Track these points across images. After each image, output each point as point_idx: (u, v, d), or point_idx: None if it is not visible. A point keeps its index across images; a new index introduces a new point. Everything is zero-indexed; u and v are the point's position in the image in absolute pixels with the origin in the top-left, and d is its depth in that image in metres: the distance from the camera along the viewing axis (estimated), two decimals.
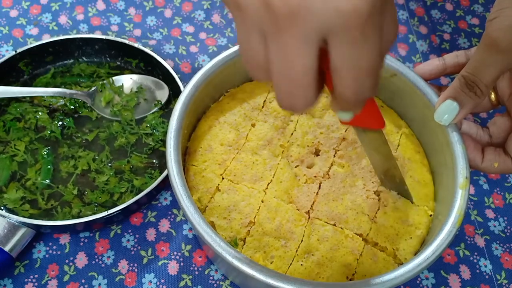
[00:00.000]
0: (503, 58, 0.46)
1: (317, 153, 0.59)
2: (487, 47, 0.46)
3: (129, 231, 0.65)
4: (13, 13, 0.81)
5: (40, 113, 0.69)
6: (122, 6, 0.84)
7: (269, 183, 0.56)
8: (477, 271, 0.66)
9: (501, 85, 0.54)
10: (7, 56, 0.70)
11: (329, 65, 0.32)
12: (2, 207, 0.62)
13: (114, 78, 0.73)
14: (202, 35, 0.83)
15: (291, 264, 0.52)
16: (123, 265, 0.62)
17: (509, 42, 0.44)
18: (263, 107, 0.61)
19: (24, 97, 0.71)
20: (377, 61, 0.31)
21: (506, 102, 0.54)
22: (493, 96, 0.56)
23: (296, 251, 0.52)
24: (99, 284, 0.61)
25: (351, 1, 0.29)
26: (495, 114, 0.60)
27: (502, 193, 0.72)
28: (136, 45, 0.73)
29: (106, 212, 0.59)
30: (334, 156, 0.59)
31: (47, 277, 0.61)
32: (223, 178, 0.56)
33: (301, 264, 0.52)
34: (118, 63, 0.77)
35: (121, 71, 0.76)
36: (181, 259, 0.63)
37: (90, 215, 0.60)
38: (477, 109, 0.58)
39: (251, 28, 0.31)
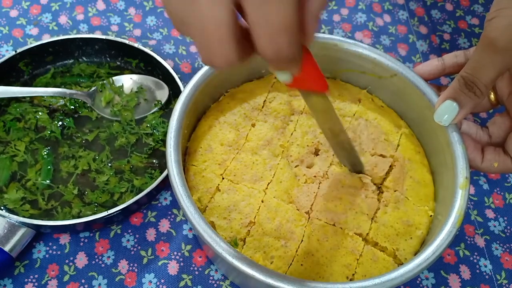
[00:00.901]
0: (502, 58, 0.46)
1: (316, 152, 0.59)
2: (485, 47, 0.46)
3: (129, 231, 0.65)
4: (13, 13, 0.81)
5: (40, 113, 0.69)
6: (122, 6, 0.84)
7: (269, 183, 0.56)
8: (477, 271, 0.66)
9: (500, 85, 0.55)
10: (7, 56, 0.70)
11: None
12: (2, 207, 0.62)
13: (114, 78, 0.73)
14: None
15: (291, 264, 0.52)
16: (123, 265, 0.62)
17: (508, 42, 0.44)
18: (263, 107, 0.61)
19: (24, 97, 0.71)
20: (290, 17, 0.31)
21: (506, 102, 0.54)
22: (492, 95, 0.56)
23: (296, 251, 0.52)
24: (99, 284, 0.61)
25: None
26: (495, 114, 0.60)
27: (502, 193, 0.72)
28: (136, 45, 0.73)
29: (106, 212, 0.59)
30: (333, 155, 0.59)
31: (47, 277, 0.61)
32: (223, 178, 0.56)
33: (301, 264, 0.52)
34: (118, 63, 0.77)
35: (121, 71, 0.76)
36: (181, 259, 0.63)
37: (90, 215, 0.60)
38: (477, 109, 0.58)
39: None
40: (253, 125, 0.59)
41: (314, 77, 0.42)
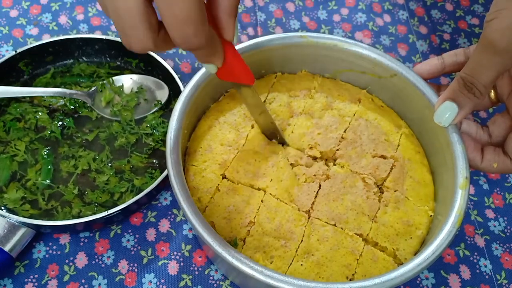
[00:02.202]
0: (501, 59, 0.46)
1: (314, 156, 0.59)
2: (485, 48, 0.46)
3: (129, 231, 0.65)
4: (13, 13, 0.81)
5: (40, 113, 0.69)
6: None
7: (269, 182, 0.56)
8: (477, 271, 0.66)
9: (500, 83, 0.54)
10: (7, 56, 0.70)
11: None
12: (2, 207, 0.62)
13: (114, 78, 0.73)
14: None
15: (291, 264, 0.52)
16: (123, 265, 0.62)
17: (507, 43, 0.44)
18: None
19: (24, 97, 0.71)
20: (191, 10, 0.35)
21: (506, 101, 0.54)
22: (492, 94, 0.56)
23: (296, 251, 0.52)
24: (99, 284, 0.61)
25: None
26: (495, 114, 0.60)
27: (502, 193, 0.72)
28: None
29: (106, 212, 0.59)
30: (332, 157, 0.59)
31: (47, 277, 0.61)
32: (223, 178, 0.56)
33: (301, 264, 0.52)
34: (118, 63, 0.77)
35: (121, 71, 0.76)
36: (181, 259, 0.63)
37: (90, 215, 0.60)
38: (477, 107, 0.58)
39: None
40: (252, 126, 0.59)
41: (239, 70, 0.46)
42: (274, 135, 0.59)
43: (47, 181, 0.65)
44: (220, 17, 0.40)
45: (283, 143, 0.59)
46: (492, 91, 0.56)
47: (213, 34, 0.41)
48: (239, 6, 0.86)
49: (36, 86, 0.73)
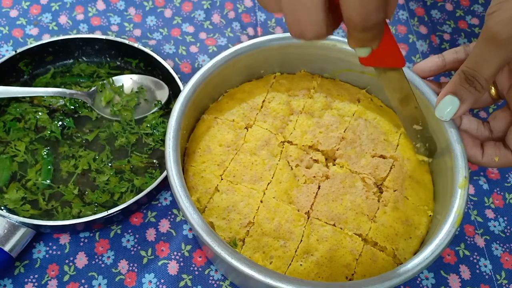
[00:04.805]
0: (503, 51, 0.46)
1: (314, 159, 0.58)
2: (486, 41, 0.46)
3: (129, 231, 0.65)
4: (13, 13, 0.81)
5: (40, 113, 0.69)
6: (122, 6, 0.84)
7: (268, 184, 0.56)
8: (477, 271, 0.66)
9: (500, 79, 0.55)
10: (7, 56, 0.70)
11: None
12: (2, 207, 0.62)
13: (114, 78, 0.73)
14: (202, 35, 0.83)
15: (290, 264, 0.52)
16: (123, 265, 0.62)
17: (509, 35, 0.44)
18: (262, 107, 0.61)
19: (24, 97, 0.71)
20: None
21: (506, 95, 0.54)
22: (493, 90, 0.56)
23: (296, 251, 0.52)
24: (99, 284, 0.61)
25: None
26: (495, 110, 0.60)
27: (502, 193, 0.72)
28: (136, 45, 0.73)
29: (106, 212, 0.59)
30: (333, 157, 0.59)
31: (47, 277, 0.61)
32: (222, 179, 0.56)
33: (300, 264, 0.52)
34: (118, 63, 0.77)
35: (121, 71, 0.76)
36: (181, 259, 0.63)
37: (90, 215, 0.60)
38: (478, 104, 0.58)
39: None
40: (250, 126, 0.59)
41: (391, 52, 0.41)
42: (415, 121, 0.54)
43: (47, 181, 0.65)
44: None
45: (426, 133, 0.55)
46: (493, 87, 0.56)
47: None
48: (239, 6, 0.86)
49: (36, 86, 0.73)
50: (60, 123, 0.69)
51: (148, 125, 0.70)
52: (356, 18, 0.34)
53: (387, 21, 0.38)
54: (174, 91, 0.72)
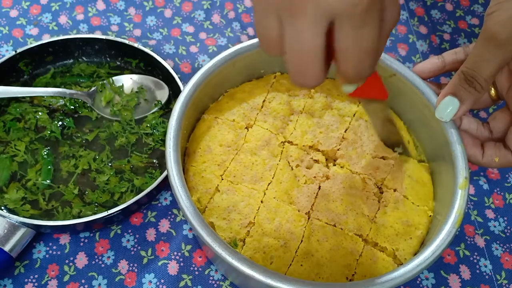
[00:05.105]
0: (502, 51, 0.46)
1: (314, 159, 0.58)
2: (486, 41, 0.46)
3: (129, 231, 0.65)
4: (13, 13, 0.81)
5: (40, 113, 0.69)
6: (122, 6, 0.84)
7: (269, 184, 0.56)
8: (477, 271, 0.66)
9: (499, 79, 0.55)
10: (7, 56, 0.70)
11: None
12: (2, 207, 0.62)
13: (114, 78, 0.73)
14: (202, 35, 0.83)
15: (290, 264, 0.52)
16: (123, 265, 0.62)
17: (508, 36, 0.44)
18: (262, 107, 0.61)
19: (24, 97, 0.71)
20: (376, 43, 0.35)
21: (505, 96, 0.54)
22: (493, 91, 0.56)
23: (296, 251, 0.52)
24: (99, 284, 0.61)
25: None
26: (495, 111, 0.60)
27: (502, 193, 0.72)
28: (136, 45, 0.73)
29: (106, 212, 0.59)
30: (333, 157, 0.59)
31: (47, 277, 0.61)
32: (222, 179, 0.56)
33: (301, 265, 0.52)
34: (118, 63, 0.77)
35: (121, 71, 0.76)
36: (181, 259, 0.63)
37: (91, 215, 0.60)
38: (478, 104, 0.58)
39: (269, 11, 0.35)
40: (250, 126, 0.59)
41: (375, 86, 0.45)
42: (396, 145, 0.58)
43: (47, 181, 0.65)
44: (381, 43, 0.38)
45: (406, 154, 0.59)
46: (492, 88, 0.56)
47: None
48: (239, 6, 0.86)
49: (36, 86, 0.73)
50: (60, 123, 0.69)
51: (148, 125, 0.70)
52: (351, 74, 0.37)
53: None
54: (174, 91, 0.72)
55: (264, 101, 0.62)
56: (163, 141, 0.69)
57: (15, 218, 0.58)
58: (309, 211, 0.55)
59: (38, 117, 0.69)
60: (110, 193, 0.65)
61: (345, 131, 0.60)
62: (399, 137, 0.57)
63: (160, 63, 0.72)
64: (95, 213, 0.60)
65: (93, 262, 0.62)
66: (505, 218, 0.70)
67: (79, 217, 0.62)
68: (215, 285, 0.62)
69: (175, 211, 0.67)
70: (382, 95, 0.47)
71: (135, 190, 0.65)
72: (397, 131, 0.57)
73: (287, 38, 0.35)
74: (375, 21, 0.34)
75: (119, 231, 0.65)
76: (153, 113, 0.72)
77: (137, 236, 0.64)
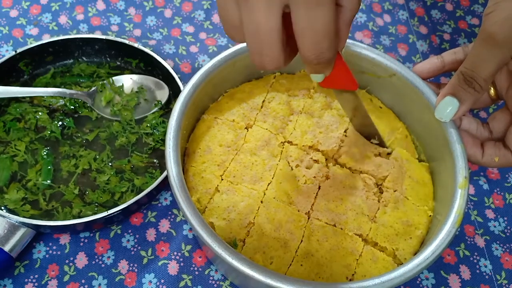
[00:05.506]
0: (501, 51, 0.46)
1: (314, 159, 0.58)
2: (484, 41, 0.46)
3: (129, 231, 0.65)
4: (13, 13, 0.81)
5: (40, 113, 0.69)
6: (122, 6, 0.84)
7: (268, 184, 0.56)
8: (477, 271, 0.66)
9: (499, 79, 0.55)
10: (7, 56, 0.70)
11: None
12: (2, 207, 0.62)
13: (114, 78, 0.73)
14: (202, 35, 0.83)
15: (290, 264, 0.52)
16: (123, 265, 0.62)
17: (506, 35, 0.44)
18: (262, 107, 0.61)
19: (24, 97, 0.71)
20: (332, 24, 0.36)
21: (505, 96, 0.54)
22: (492, 91, 0.56)
23: (296, 251, 0.52)
24: (99, 284, 0.61)
25: None
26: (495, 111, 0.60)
27: (502, 193, 0.72)
28: (136, 45, 0.73)
29: (106, 212, 0.59)
30: (333, 157, 0.59)
31: (47, 277, 0.61)
32: (222, 179, 0.56)
33: (301, 265, 0.52)
34: (118, 63, 0.77)
35: (121, 71, 0.76)
36: (181, 259, 0.63)
37: (91, 215, 0.60)
38: (477, 104, 0.58)
39: None
40: (250, 126, 0.59)
41: (344, 77, 0.46)
42: (372, 136, 0.60)
43: (48, 181, 0.65)
44: (341, 28, 0.40)
45: (382, 145, 0.60)
46: (492, 88, 0.56)
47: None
48: None
49: (36, 86, 0.73)
50: (60, 123, 0.69)
51: (148, 125, 0.70)
52: (310, 56, 0.37)
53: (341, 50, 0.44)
54: (174, 91, 0.72)
55: (263, 101, 0.62)
56: (163, 141, 0.69)
57: (15, 218, 0.58)
58: (309, 211, 0.55)
59: (38, 117, 0.69)
60: (110, 193, 0.65)
61: (345, 131, 0.60)
62: (373, 128, 0.58)
63: (160, 63, 0.72)
64: (95, 213, 0.60)
65: (93, 262, 0.62)
66: (505, 218, 0.70)
67: (79, 217, 0.62)
68: (215, 285, 0.62)
69: (175, 211, 0.67)
70: (351, 86, 0.48)
71: (135, 190, 0.65)
72: (371, 122, 0.58)
73: (244, 20, 0.36)
74: (329, 2, 0.35)
75: (119, 231, 0.65)
76: (153, 113, 0.72)
77: (137, 236, 0.64)
